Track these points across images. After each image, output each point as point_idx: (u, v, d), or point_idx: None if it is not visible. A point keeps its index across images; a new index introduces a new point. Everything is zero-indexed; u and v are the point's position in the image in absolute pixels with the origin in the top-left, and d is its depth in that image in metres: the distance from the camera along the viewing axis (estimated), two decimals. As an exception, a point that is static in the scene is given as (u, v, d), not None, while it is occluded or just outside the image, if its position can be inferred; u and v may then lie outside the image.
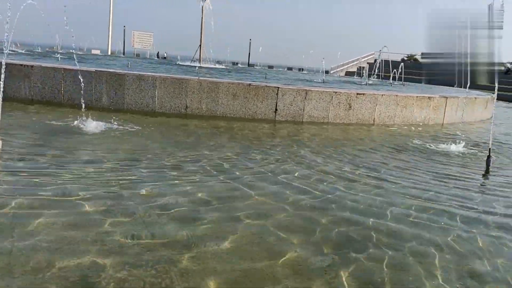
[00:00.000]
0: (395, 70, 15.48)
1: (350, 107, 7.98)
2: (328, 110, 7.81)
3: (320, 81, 12.83)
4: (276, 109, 7.56)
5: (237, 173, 3.98)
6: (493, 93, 7.03)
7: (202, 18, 16.43)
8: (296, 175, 4.10)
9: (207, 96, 7.29)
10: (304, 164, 4.59)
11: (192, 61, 17.23)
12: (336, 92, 7.88)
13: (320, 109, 7.76)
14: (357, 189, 3.79)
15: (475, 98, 10.70)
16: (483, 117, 11.15)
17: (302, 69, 36.12)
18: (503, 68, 44.86)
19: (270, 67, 37.62)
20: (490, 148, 5.20)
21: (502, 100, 20.63)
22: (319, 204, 3.31)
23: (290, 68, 38.09)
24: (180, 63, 17.15)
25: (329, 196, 3.53)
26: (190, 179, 3.67)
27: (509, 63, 58.18)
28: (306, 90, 7.69)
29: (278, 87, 7.55)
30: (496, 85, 5.72)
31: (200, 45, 16.75)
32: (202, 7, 16.35)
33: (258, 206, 3.16)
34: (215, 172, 3.95)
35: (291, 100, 7.58)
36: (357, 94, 8.05)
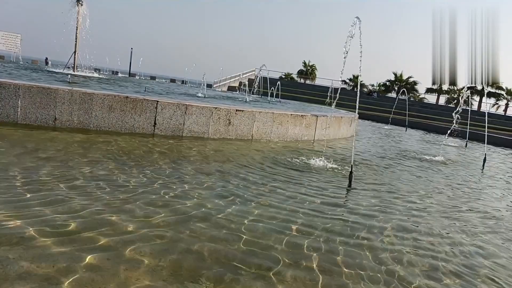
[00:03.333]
0: (273, 87, 16.33)
1: (230, 122, 8.17)
2: (208, 125, 7.89)
3: (201, 95, 12.93)
4: (155, 123, 7.38)
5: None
6: (355, 112, 7.85)
7: (77, 22, 15.37)
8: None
9: (79, 107, 6.81)
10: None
11: (65, 67, 15.97)
12: (216, 108, 8.00)
13: (200, 124, 7.80)
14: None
15: (341, 117, 11.81)
16: (348, 134, 12.34)
17: (186, 82, 36.04)
18: (365, 89, 50.60)
19: (153, 77, 36.79)
20: (352, 165, 5.77)
21: (364, 119, 23.16)
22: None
23: (173, 80, 37.72)
24: (50, 69, 15.76)
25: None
26: None
27: (370, 85, 65.69)
28: (186, 104, 7.66)
29: (158, 101, 7.39)
30: (357, 105, 6.42)
31: (74, 52, 15.62)
32: (78, 11, 15.32)
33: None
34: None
35: (170, 114, 7.48)
36: (237, 110, 8.29)
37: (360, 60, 6.04)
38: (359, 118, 21.23)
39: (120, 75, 32.65)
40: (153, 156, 5.69)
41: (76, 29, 15.31)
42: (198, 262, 2.63)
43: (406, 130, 19.52)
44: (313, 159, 7.06)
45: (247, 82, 19.24)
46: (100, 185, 3.97)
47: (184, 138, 7.48)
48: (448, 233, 3.99)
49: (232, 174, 5.24)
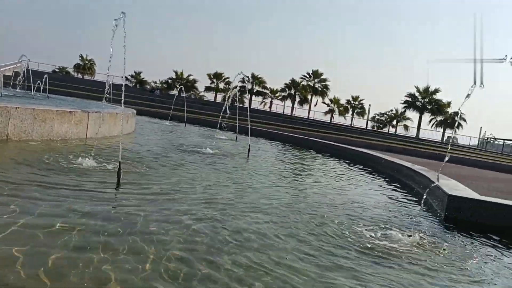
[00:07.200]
0: (39, 81, 14.55)
1: (-25, 121, 6.85)
2: None
3: None
4: None
5: None
6: (122, 106, 7.70)
7: None
8: None
9: None
10: None
11: None
12: (-47, 103, 6.58)
13: None
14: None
15: (117, 113, 11.42)
16: (126, 131, 12.03)
17: None
18: (147, 86, 50.71)
19: None
20: (120, 162, 5.59)
21: (146, 115, 23.13)
22: None
23: None
24: None
25: None
26: None
27: (153, 82, 66.13)
28: None
29: None
30: (123, 99, 6.37)
31: None
32: None
33: None
34: None
35: None
36: (-16, 106, 7.01)
37: (124, 57, 5.91)
38: (142, 114, 21.10)
39: None
40: None
41: None
42: None
43: (185, 126, 20.38)
44: (81, 159, 6.56)
45: (1, 77, 16.50)
46: None
47: None
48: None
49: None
